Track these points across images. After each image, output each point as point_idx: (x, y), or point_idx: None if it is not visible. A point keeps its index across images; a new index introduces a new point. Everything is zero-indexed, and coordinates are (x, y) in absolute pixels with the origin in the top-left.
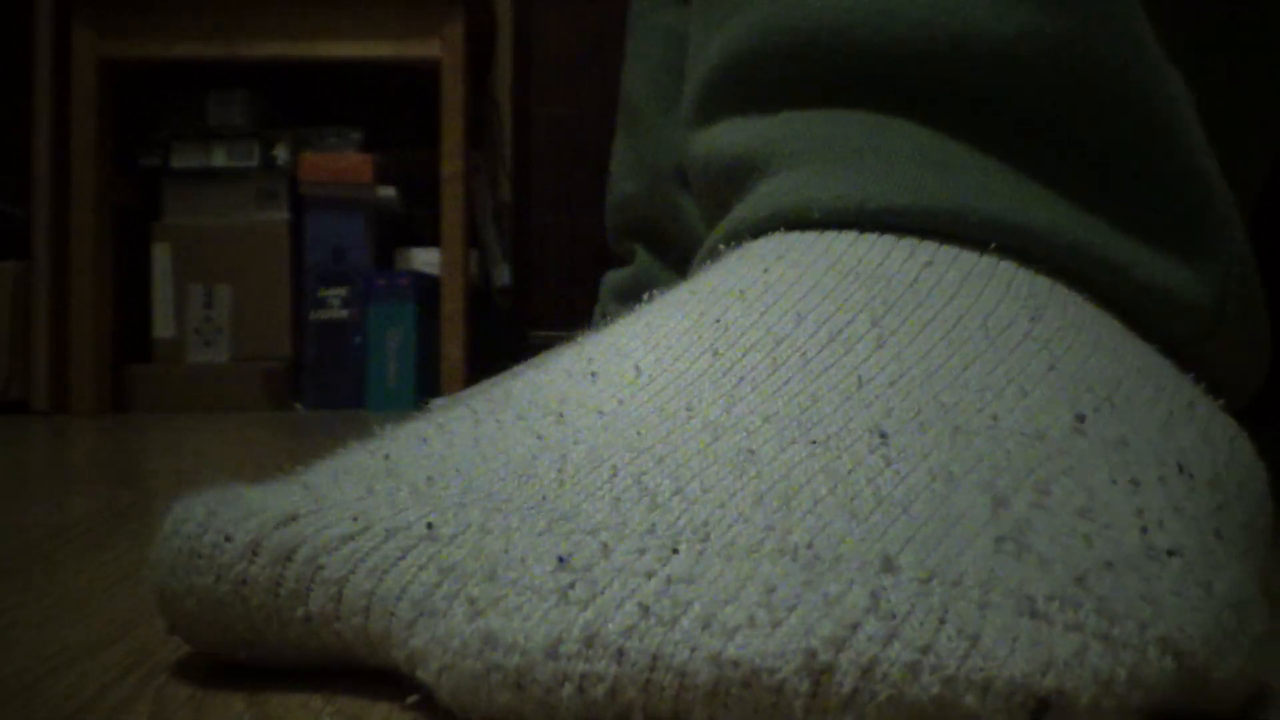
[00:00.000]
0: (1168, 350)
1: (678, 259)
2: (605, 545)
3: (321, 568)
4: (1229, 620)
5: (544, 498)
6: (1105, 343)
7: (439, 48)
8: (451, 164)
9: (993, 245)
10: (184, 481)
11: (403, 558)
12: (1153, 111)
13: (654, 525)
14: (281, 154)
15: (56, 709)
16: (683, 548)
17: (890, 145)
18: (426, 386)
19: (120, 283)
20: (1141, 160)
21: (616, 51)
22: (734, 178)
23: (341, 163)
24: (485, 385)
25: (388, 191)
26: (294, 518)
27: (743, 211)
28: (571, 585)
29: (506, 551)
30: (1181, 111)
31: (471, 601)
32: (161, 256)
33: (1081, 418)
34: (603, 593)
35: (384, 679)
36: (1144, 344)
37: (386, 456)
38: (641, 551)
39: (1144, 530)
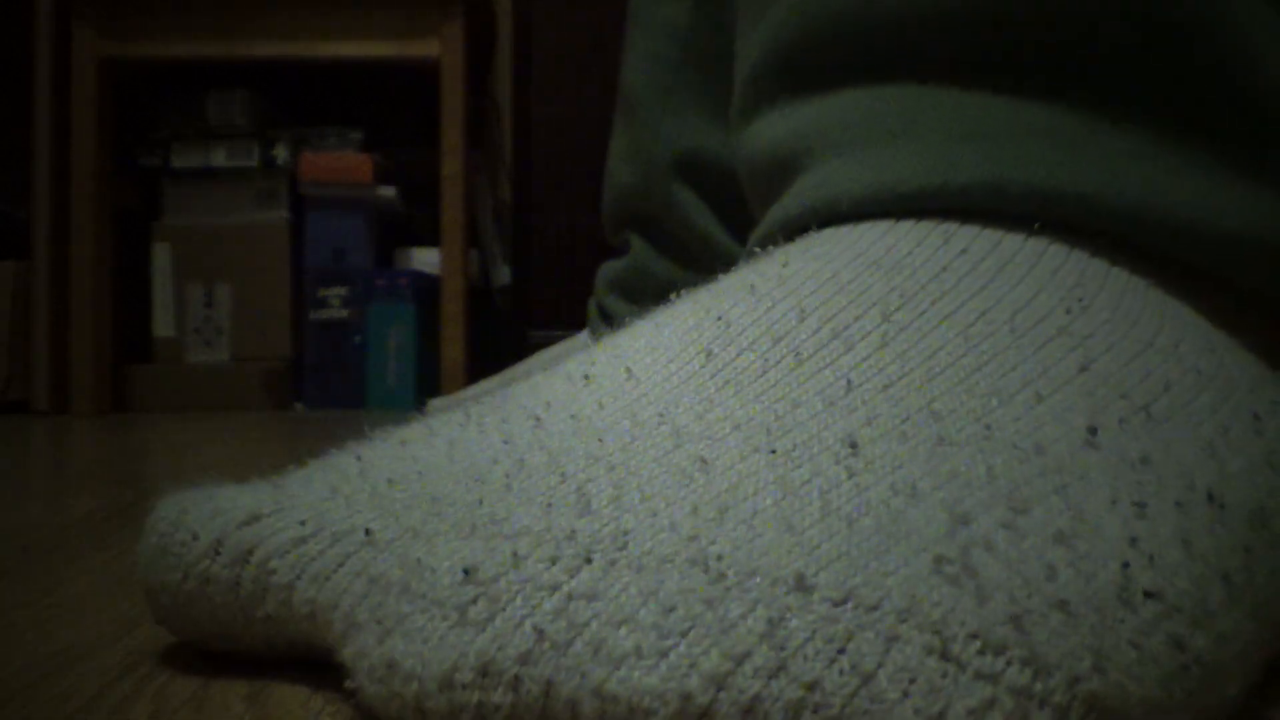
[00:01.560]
0: (1269, 325)
1: (673, 249)
2: (516, 554)
3: (273, 572)
4: (1192, 680)
5: (481, 501)
6: (1163, 340)
7: (439, 47)
8: (451, 164)
9: (1037, 225)
10: (183, 481)
11: (341, 565)
12: (1218, 36)
13: (575, 532)
14: (281, 154)
15: (56, 709)
16: (596, 557)
17: (925, 122)
18: (426, 386)
19: (120, 283)
20: (1210, 93)
21: (616, 51)
22: (774, 176)
23: (341, 163)
24: (488, 383)
25: (388, 191)
26: (256, 518)
27: (776, 212)
28: (474, 600)
29: (420, 561)
30: (1257, 30)
31: (380, 622)
32: (161, 256)
33: (1094, 430)
34: (503, 610)
35: None
36: (1224, 339)
37: (359, 458)
38: (553, 560)
39: (1125, 565)
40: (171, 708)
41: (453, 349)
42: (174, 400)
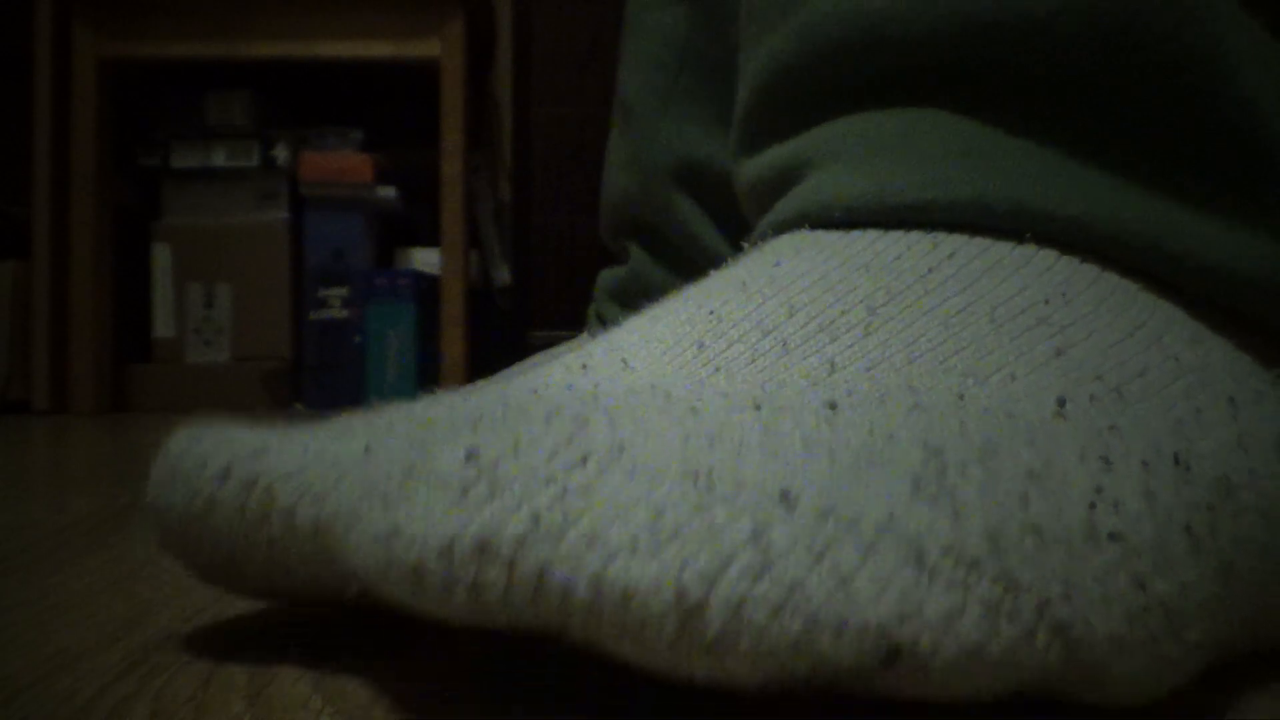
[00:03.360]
0: (1267, 338)
1: (672, 258)
2: (517, 442)
3: (275, 497)
4: (1154, 621)
5: (481, 416)
6: (1145, 331)
7: (439, 47)
8: (451, 164)
9: (1028, 235)
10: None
11: (340, 481)
12: (1206, 71)
13: (573, 437)
14: (281, 154)
15: (56, 709)
16: (592, 460)
17: (920, 140)
18: (426, 387)
19: (120, 283)
20: (1197, 127)
21: (616, 51)
22: (772, 192)
23: (341, 163)
24: (486, 382)
25: (388, 191)
26: (264, 450)
27: (771, 216)
28: (475, 481)
29: (423, 446)
30: (1245, 70)
31: (385, 498)
32: (161, 256)
33: (1063, 402)
34: (502, 493)
35: (382, 680)
36: (1213, 335)
37: (365, 416)
38: (552, 455)
39: (1092, 506)
40: (171, 708)
41: (453, 349)
42: (174, 400)
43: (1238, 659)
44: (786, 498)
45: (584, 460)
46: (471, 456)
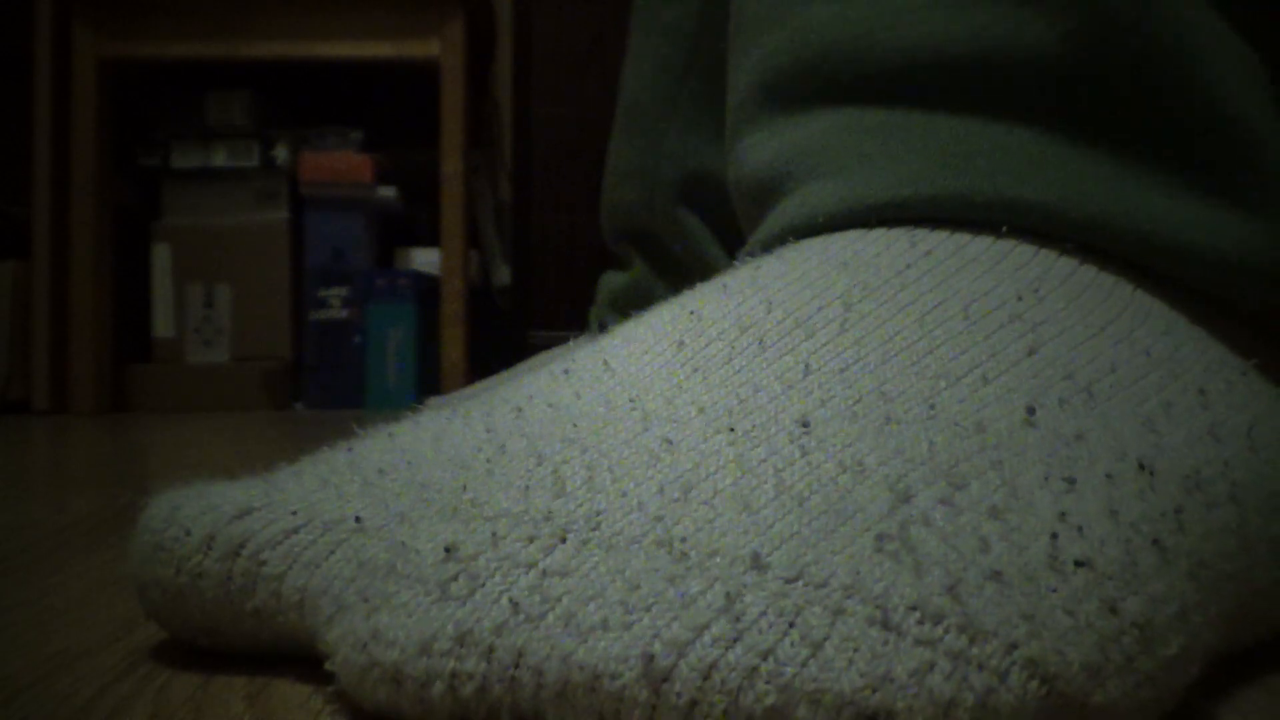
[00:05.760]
0: (1245, 322)
1: (675, 272)
2: (495, 534)
3: (263, 564)
4: (1129, 643)
5: (465, 486)
6: (1117, 326)
7: (439, 48)
8: (451, 164)
9: (1005, 229)
10: (180, 482)
11: (332, 552)
12: (1174, 62)
13: (551, 513)
14: (281, 154)
15: (56, 709)
16: (570, 536)
17: (897, 144)
18: (426, 386)
19: (120, 283)
20: (1169, 115)
21: (616, 51)
22: (759, 200)
23: (341, 163)
24: (485, 384)
25: (388, 191)
26: (247, 512)
27: (758, 235)
28: (455, 577)
29: (405, 544)
30: (1210, 57)
31: (366, 600)
32: (161, 256)
33: (1032, 410)
34: (482, 586)
35: None
36: (1187, 325)
37: (349, 450)
38: (530, 539)
39: (1054, 537)
40: (171, 708)
41: (453, 349)
42: (174, 400)
43: (1232, 658)
44: (758, 562)
45: (563, 539)
46: (451, 552)
